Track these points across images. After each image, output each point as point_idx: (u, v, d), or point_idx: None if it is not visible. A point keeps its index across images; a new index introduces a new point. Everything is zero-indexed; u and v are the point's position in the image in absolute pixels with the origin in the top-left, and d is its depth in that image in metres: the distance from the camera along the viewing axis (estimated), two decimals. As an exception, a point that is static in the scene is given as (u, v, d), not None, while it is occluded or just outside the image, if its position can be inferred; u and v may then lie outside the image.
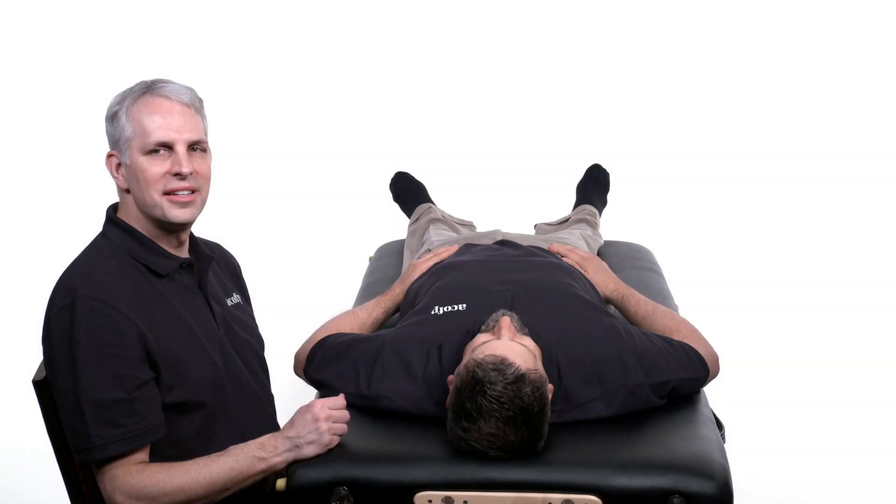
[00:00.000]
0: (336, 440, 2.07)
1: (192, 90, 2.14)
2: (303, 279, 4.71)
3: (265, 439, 2.06)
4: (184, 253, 2.18)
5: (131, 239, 2.11)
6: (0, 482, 3.41)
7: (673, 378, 2.31)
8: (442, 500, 2.02)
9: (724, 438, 2.43)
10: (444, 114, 5.69)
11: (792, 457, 3.46)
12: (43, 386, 2.12)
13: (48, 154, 5.46)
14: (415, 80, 5.84)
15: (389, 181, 3.90)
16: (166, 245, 2.14)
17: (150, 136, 2.05)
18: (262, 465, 2.04)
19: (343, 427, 2.08)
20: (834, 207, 5.21)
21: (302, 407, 2.08)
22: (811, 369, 4.00)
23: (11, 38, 5.83)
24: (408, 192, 3.83)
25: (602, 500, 2.00)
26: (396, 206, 3.88)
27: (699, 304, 3.46)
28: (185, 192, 2.09)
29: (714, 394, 2.55)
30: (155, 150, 2.06)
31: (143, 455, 2.03)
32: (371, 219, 4.71)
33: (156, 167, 2.06)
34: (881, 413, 3.74)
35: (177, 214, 2.09)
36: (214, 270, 2.27)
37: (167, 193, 2.07)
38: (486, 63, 5.88)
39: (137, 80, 2.13)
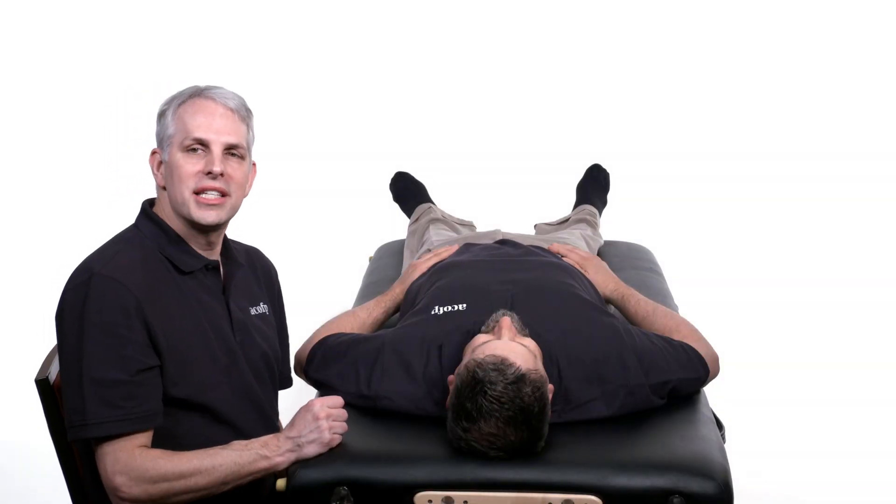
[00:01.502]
0: (337, 439, 2.07)
1: (241, 98, 2.18)
2: (303, 279, 4.70)
3: (268, 438, 2.07)
4: (213, 255, 2.21)
5: (161, 233, 2.15)
6: (2, 481, 3.41)
7: (673, 378, 2.31)
8: (442, 500, 2.02)
9: (724, 438, 2.43)
10: (444, 114, 5.69)
11: (792, 457, 3.46)
12: (45, 385, 2.13)
13: (50, 157, 5.46)
14: (415, 80, 5.84)
15: (389, 181, 3.90)
16: (195, 245, 2.17)
17: (189, 133, 2.10)
18: (264, 464, 2.05)
19: (343, 426, 2.09)
20: (834, 207, 5.21)
21: (302, 407, 2.09)
22: (811, 369, 4.00)
23: (43, 38, 5.81)
24: (408, 192, 3.83)
25: (602, 500, 2.00)
26: (396, 206, 3.88)
27: (699, 304, 3.46)
28: (214, 194, 2.12)
29: (714, 394, 2.55)
30: (192, 147, 2.10)
31: (145, 439, 2.04)
32: (371, 219, 4.71)
33: (190, 165, 2.10)
34: (881, 413, 3.74)
35: (202, 215, 2.11)
36: (245, 277, 2.29)
37: (197, 193, 2.10)
38: (486, 63, 5.87)
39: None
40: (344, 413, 2.10)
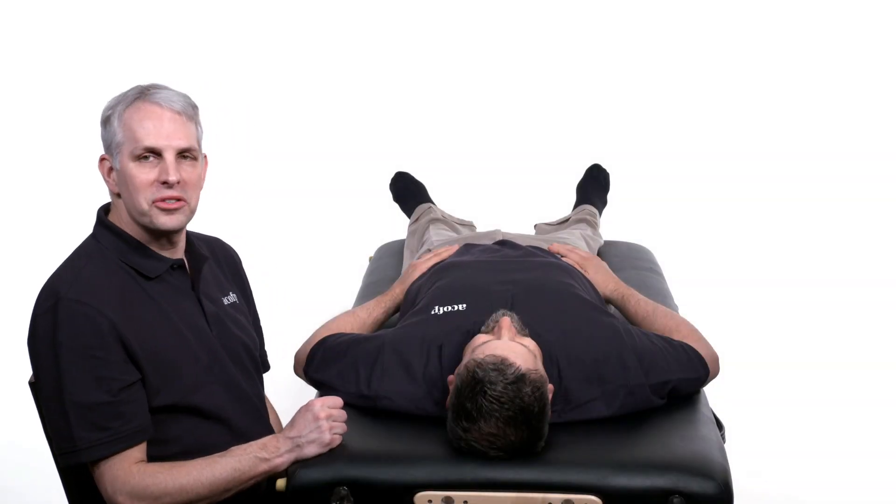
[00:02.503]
0: (337, 440, 2.07)
1: (185, 97, 2.13)
2: (303, 279, 4.71)
3: (267, 440, 2.07)
4: (177, 254, 2.18)
5: (121, 242, 2.11)
6: (1, 481, 3.41)
7: (673, 378, 2.31)
8: (442, 500, 2.02)
9: (724, 438, 2.43)
10: (444, 114, 5.69)
11: (792, 457, 3.46)
12: (39, 387, 2.12)
13: (48, 155, 5.46)
14: (415, 80, 5.84)
15: (389, 181, 3.90)
16: (157, 247, 2.14)
17: (139, 142, 2.05)
18: (264, 466, 2.04)
19: (343, 427, 2.09)
20: (834, 207, 5.21)
21: (302, 407, 2.08)
22: (811, 369, 4.00)
23: (8, 38, 5.82)
24: (408, 192, 3.83)
25: (602, 500, 2.00)
26: (396, 206, 3.88)
27: (699, 304, 3.46)
28: (172, 201, 2.08)
29: (714, 394, 2.55)
30: (144, 156, 2.06)
31: (140, 454, 2.03)
32: (371, 219, 4.71)
33: (144, 174, 2.06)
34: (881, 413, 3.74)
35: (164, 222, 2.08)
36: (211, 268, 2.27)
37: (155, 201, 2.07)
38: (485, 63, 5.88)
39: (133, 84, 2.13)
40: (344, 413, 2.10)
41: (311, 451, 2.05)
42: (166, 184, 2.06)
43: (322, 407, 2.06)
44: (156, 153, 2.06)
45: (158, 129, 2.06)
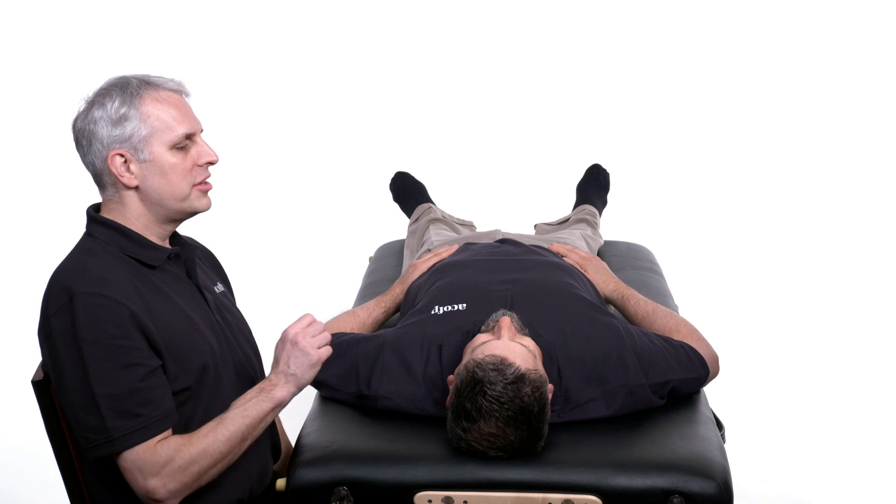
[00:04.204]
0: (326, 352, 2.06)
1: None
2: (303, 279, 4.72)
3: (261, 383, 2.08)
4: (167, 244, 2.19)
5: (118, 234, 2.11)
6: (0, 482, 3.41)
7: (673, 378, 2.31)
8: (442, 500, 2.02)
9: (724, 438, 2.43)
10: (444, 114, 5.69)
11: (792, 457, 3.46)
12: (42, 386, 2.12)
13: (46, 153, 5.46)
14: (415, 81, 5.85)
15: (389, 181, 3.91)
16: (155, 238, 2.14)
17: (174, 131, 2.07)
18: (268, 404, 2.05)
19: (325, 336, 2.07)
20: (834, 207, 5.21)
21: (277, 342, 2.08)
22: (811, 369, 4.00)
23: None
24: (408, 192, 3.83)
25: (602, 500, 2.00)
26: (396, 206, 3.89)
27: (699, 304, 3.46)
28: (210, 180, 2.14)
29: (714, 394, 2.56)
30: (181, 144, 2.09)
31: (161, 435, 2.03)
32: (371, 219, 4.72)
33: (185, 160, 2.10)
34: (881, 413, 3.74)
35: (205, 203, 2.14)
36: (199, 259, 2.28)
37: (197, 184, 2.11)
38: (485, 63, 5.88)
39: (116, 77, 2.12)
40: (320, 324, 2.08)
41: (308, 376, 2.05)
42: (211, 164, 2.12)
43: (294, 333, 2.06)
44: (189, 138, 2.10)
45: (185, 114, 2.10)
